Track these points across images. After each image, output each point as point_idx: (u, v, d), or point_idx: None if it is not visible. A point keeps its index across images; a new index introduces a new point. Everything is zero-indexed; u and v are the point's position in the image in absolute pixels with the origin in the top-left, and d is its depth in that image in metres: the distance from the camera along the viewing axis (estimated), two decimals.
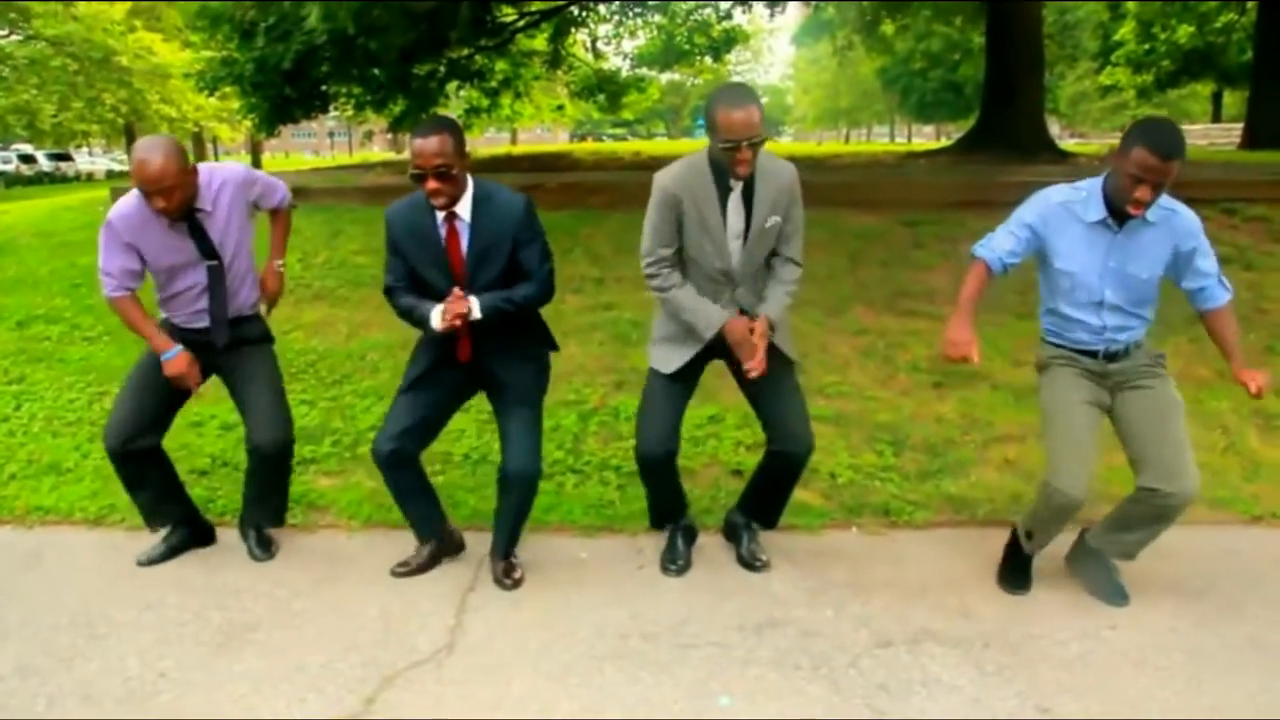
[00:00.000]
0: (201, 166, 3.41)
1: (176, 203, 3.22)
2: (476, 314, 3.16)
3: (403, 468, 3.38)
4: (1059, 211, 3.13)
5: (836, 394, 5.00)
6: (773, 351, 3.30)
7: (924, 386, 5.10)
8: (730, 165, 3.08)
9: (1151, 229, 3.06)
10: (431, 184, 3.06)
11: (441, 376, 3.35)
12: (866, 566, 3.64)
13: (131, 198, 3.34)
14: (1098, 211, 3.07)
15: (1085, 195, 3.11)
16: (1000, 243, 3.18)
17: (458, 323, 3.12)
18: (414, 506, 3.50)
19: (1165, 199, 3.04)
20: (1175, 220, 3.07)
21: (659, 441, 3.37)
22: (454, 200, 3.14)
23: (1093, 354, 3.22)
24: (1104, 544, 3.40)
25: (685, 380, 3.42)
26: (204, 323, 3.50)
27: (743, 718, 2.72)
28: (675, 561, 3.57)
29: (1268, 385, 3.09)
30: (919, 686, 2.85)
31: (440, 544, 3.56)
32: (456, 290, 3.17)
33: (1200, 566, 3.62)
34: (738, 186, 3.17)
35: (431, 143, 3.03)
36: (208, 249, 3.40)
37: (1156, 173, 2.85)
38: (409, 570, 3.50)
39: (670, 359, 3.36)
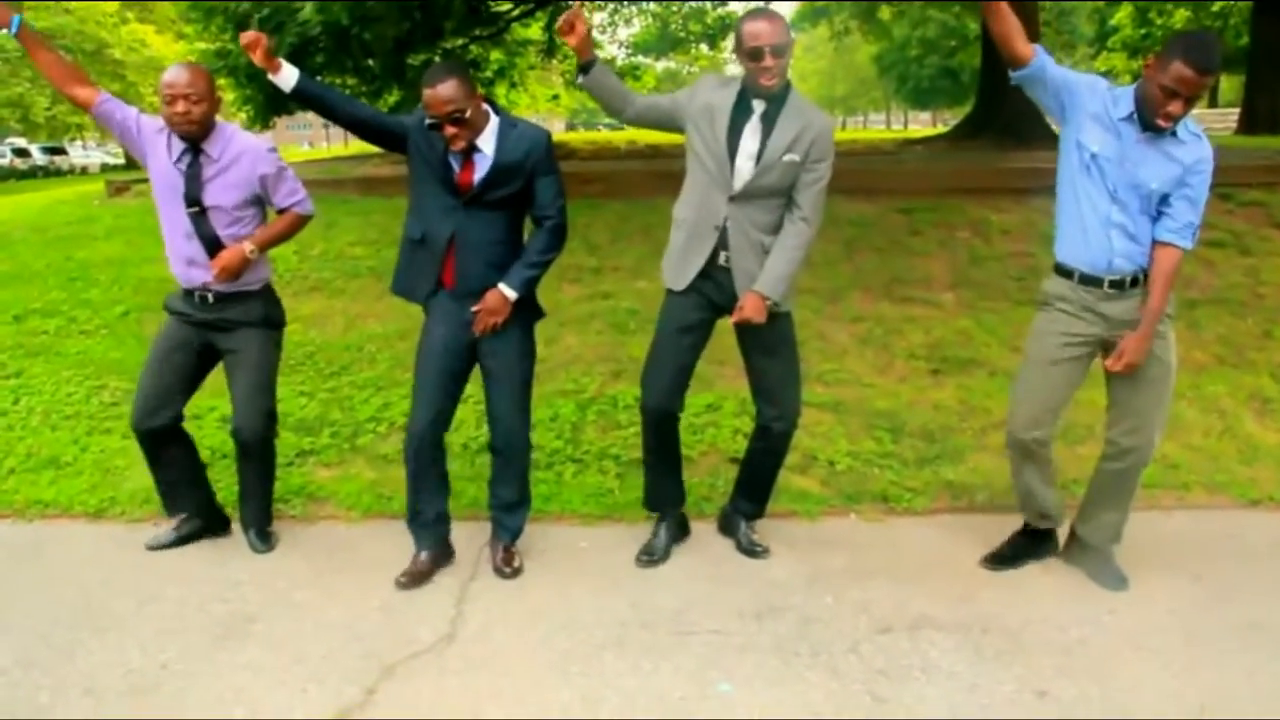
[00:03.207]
0: (231, 126, 3.49)
1: (196, 117, 3.29)
2: (513, 296, 3.21)
3: (434, 458, 3.39)
4: (1099, 91, 3.12)
5: (835, 381, 5.01)
6: (773, 318, 3.30)
7: (921, 373, 5.11)
8: (755, 76, 3.14)
9: (1176, 145, 3.04)
10: (449, 130, 3.05)
11: (448, 347, 3.32)
12: (865, 553, 3.65)
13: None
14: (1125, 108, 3.04)
15: (1118, 95, 3.10)
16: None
17: None
18: (432, 504, 3.44)
19: (1196, 126, 3.07)
20: (1199, 147, 3.06)
21: (663, 396, 3.41)
22: (473, 139, 3.13)
23: (1097, 282, 3.17)
24: (1088, 531, 3.46)
25: (692, 333, 3.40)
26: (197, 279, 3.47)
27: (743, 704, 2.72)
28: (650, 553, 3.56)
29: (1131, 362, 3.11)
30: (918, 672, 2.86)
31: (437, 553, 3.47)
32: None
33: (1198, 550, 3.64)
34: (759, 109, 3.19)
35: (442, 90, 3.01)
36: (193, 192, 3.39)
37: (1191, 86, 2.86)
38: (415, 578, 3.37)
39: (677, 274, 3.36)
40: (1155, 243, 3.13)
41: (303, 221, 3.64)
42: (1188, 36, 3.00)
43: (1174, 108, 2.90)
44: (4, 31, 3.33)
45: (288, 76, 3.15)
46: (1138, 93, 3.03)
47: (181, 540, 3.70)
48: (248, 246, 3.43)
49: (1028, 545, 3.56)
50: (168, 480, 3.69)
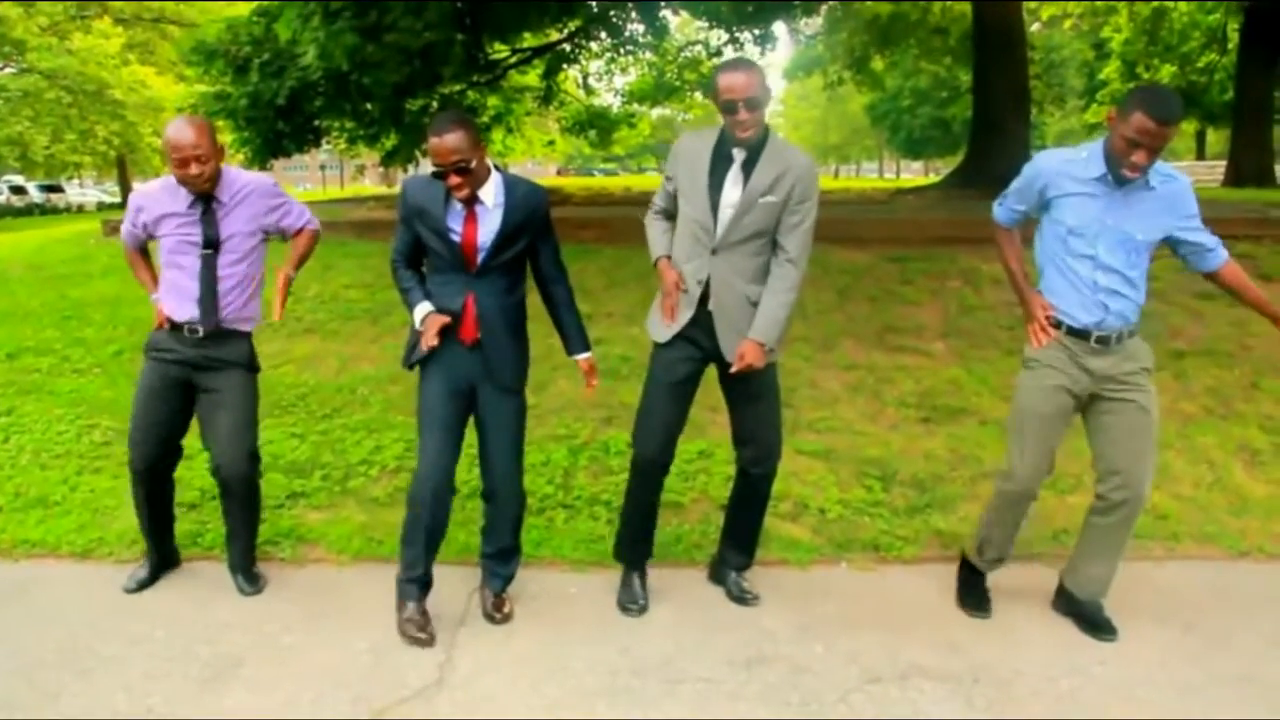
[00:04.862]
0: (232, 167, 3.58)
1: (208, 175, 3.38)
2: (589, 356, 3.48)
3: (445, 513, 3.34)
4: (1057, 168, 3.23)
5: (825, 429, 5.02)
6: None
7: (912, 422, 5.13)
8: (730, 129, 3.18)
9: (1152, 193, 3.13)
10: (453, 179, 3.08)
11: (453, 392, 3.31)
12: (856, 602, 3.64)
13: (154, 181, 3.62)
14: (1098, 168, 3.13)
15: (1086, 155, 3.19)
16: (1010, 201, 3.42)
17: (435, 342, 3.18)
18: (430, 553, 3.35)
19: (1167, 167, 3.16)
20: (1175, 187, 3.16)
21: (657, 449, 3.44)
22: (476, 189, 3.16)
23: (1084, 335, 3.22)
24: (1076, 584, 3.47)
25: (684, 386, 3.43)
26: (191, 314, 3.49)
27: None
28: (636, 601, 3.55)
29: None
30: None
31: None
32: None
33: (1188, 601, 3.64)
34: (739, 157, 3.23)
35: (448, 140, 3.04)
36: (210, 237, 3.47)
37: (1153, 137, 2.95)
38: (429, 631, 3.27)
39: (662, 331, 3.39)
40: (1210, 275, 3.28)
41: (317, 237, 3.80)
42: (1145, 89, 3.15)
43: (1138, 157, 2.99)
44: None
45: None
46: (1105, 147, 3.12)
47: (153, 575, 3.73)
48: (290, 271, 3.62)
49: (980, 580, 3.61)
50: (160, 518, 3.72)
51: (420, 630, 3.27)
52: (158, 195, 3.52)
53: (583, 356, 3.45)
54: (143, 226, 3.56)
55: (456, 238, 3.19)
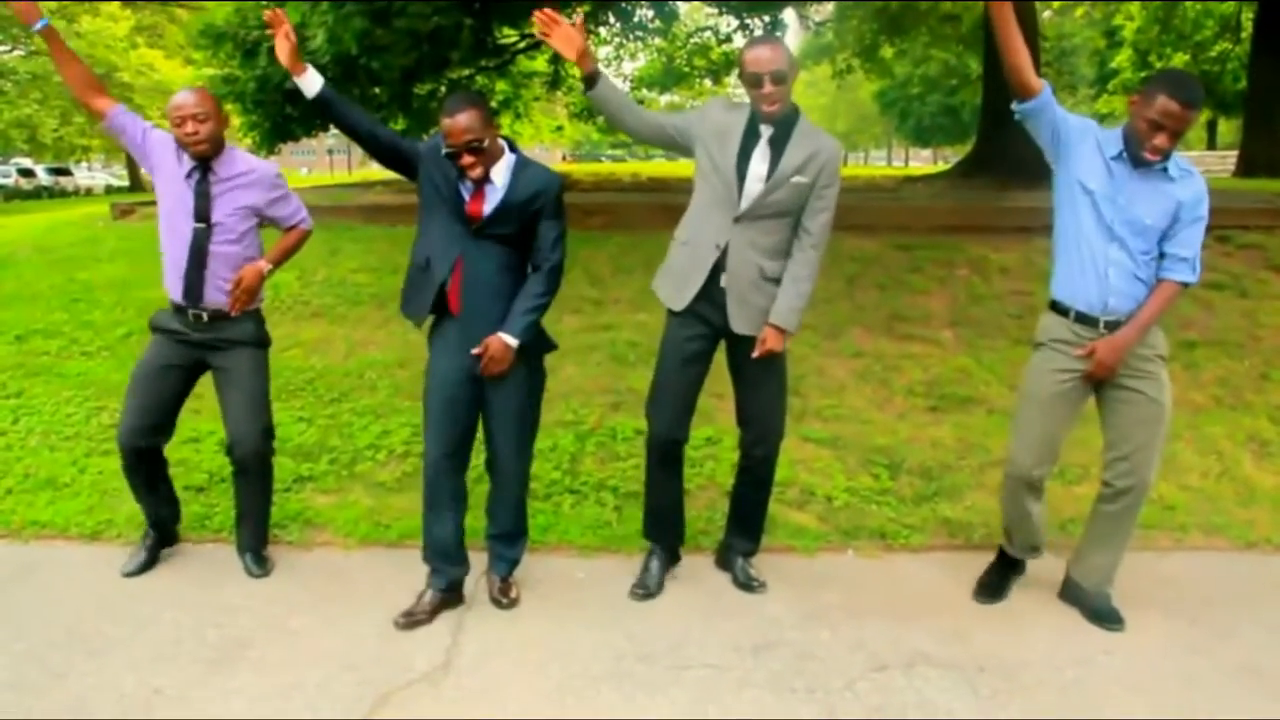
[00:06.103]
0: (241, 151, 3.58)
1: (205, 135, 3.37)
2: (514, 344, 3.19)
3: (451, 495, 3.37)
4: (1090, 131, 3.22)
5: (833, 417, 5.02)
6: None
7: (920, 410, 5.12)
8: (756, 102, 3.21)
9: (1168, 182, 3.12)
10: (466, 159, 3.07)
11: (455, 377, 3.29)
12: (862, 589, 3.64)
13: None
14: (1115, 147, 3.13)
15: (1107, 135, 3.20)
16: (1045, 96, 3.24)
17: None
18: (446, 535, 3.39)
19: (1186, 163, 3.15)
20: (1190, 183, 3.14)
21: (671, 425, 3.46)
22: (488, 169, 3.15)
23: (1092, 321, 3.22)
24: (1081, 573, 3.47)
25: (696, 363, 3.44)
26: (179, 295, 3.50)
27: None
28: (644, 587, 3.55)
29: (1102, 360, 3.16)
30: (914, 710, 2.85)
31: (446, 594, 3.41)
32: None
33: (1195, 592, 3.63)
34: (767, 133, 3.25)
35: (460, 120, 3.03)
36: (202, 208, 3.44)
37: (1176, 119, 2.95)
38: (412, 621, 3.29)
39: (676, 293, 3.40)
40: (1158, 280, 3.20)
41: (307, 236, 3.77)
42: (1170, 73, 3.16)
43: (1160, 140, 2.99)
44: (32, 28, 3.42)
45: (311, 82, 3.20)
46: (1125, 131, 3.11)
47: (152, 557, 3.73)
48: (265, 265, 3.55)
49: (1008, 572, 3.61)
50: (158, 497, 3.73)
51: (402, 614, 3.30)
52: (170, 143, 3.48)
53: (500, 337, 3.18)
54: (142, 133, 3.50)
55: (464, 205, 3.19)
